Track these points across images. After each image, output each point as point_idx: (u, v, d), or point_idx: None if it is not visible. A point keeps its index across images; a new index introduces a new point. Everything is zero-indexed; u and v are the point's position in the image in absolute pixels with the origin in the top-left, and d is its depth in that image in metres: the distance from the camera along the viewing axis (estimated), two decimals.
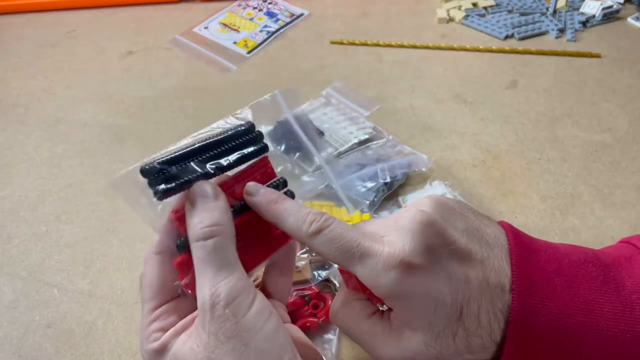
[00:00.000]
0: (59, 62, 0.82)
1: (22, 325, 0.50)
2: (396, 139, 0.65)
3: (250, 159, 0.34)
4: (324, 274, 0.48)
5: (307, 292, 0.47)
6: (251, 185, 0.33)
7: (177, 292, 0.33)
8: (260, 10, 0.91)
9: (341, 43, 0.83)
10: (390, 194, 0.59)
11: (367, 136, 0.65)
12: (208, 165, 0.32)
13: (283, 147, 0.63)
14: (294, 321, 0.46)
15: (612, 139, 0.66)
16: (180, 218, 0.32)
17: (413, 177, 0.61)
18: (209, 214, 0.30)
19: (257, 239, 0.34)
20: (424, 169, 0.61)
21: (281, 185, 0.35)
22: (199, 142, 0.33)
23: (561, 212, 0.57)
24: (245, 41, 0.84)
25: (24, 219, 0.59)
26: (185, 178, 0.31)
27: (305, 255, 0.48)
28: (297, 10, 0.91)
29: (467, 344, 0.30)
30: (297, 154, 0.62)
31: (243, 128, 0.34)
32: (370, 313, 0.34)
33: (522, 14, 0.87)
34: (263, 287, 0.37)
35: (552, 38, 0.83)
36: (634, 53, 0.79)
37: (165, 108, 0.73)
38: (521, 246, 0.32)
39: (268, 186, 0.34)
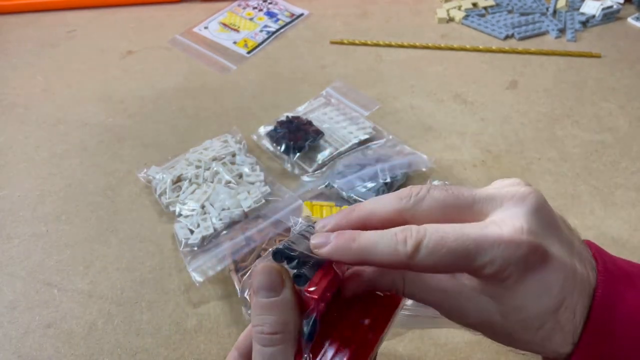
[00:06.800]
0: (59, 62, 0.82)
1: (21, 326, 0.50)
2: (396, 139, 0.65)
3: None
4: None
5: None
6: (317, 237, 0.29)
7: None
8: (260, 10, 0.91)
9: (341, 43, 0.83)
10: None
11: (367, 136, 0.65)
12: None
13: (283, 147, 0.63)
14: None
15: (612, 139, 0.66)
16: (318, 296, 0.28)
17: (413, 177, 0.61)
18: (272, 316, 0.27)
19: (359, 319, 0.30)
20: (424, 169, 0.61)
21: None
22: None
23: (561, 212, 0.56)
24: (245, 41, 0.84)
25: (23, 219, 0.59)
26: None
27: None
28: (297, 10, 0.91)
29: (546, 337, 0.28)
30: (297, 154, 0.62)
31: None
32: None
33: (522, 14, 0.87)
34: None
35: (552, 38, 0.83)
36: (634, 53, 0.79)
37: (165, 108, 0.73)
38: (595, 246, 0.31)
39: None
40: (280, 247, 0.28)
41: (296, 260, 0.28)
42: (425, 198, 0.29)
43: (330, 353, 0.27)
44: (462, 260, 0.26)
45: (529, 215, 0.27)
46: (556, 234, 0.29)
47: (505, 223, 0.27)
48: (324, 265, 0.28)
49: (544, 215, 0.28)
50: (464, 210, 0.29)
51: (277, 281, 0.27)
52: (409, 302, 0.32)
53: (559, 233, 0.29)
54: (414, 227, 0.27)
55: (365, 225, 0.29)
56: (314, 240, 0.28)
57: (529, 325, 0.28)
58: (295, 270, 0.28)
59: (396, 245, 0.27)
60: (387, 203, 0.29)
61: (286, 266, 0.28)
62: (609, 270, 0.29)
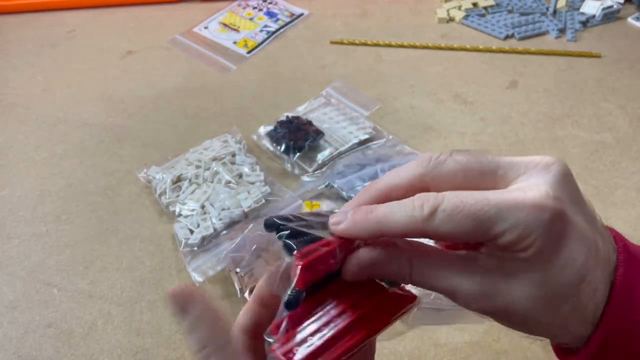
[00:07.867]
0: (59, 62, 0.82)
1: (21, 325, 0.50)
2: (396, 139, 0.65)
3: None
4: None
5: None
6: (334, 215, 0.28)
7: None
8: (260, 10, 0.91)
9: (341, 43, 0.83)
10: None
11: (367, 136, 0.65)
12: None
13: (283, 147, 0.63)
14: None
15: (612, 139, 0.66)
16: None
17: None
18: (195, 335, 0.27)
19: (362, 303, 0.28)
20: None
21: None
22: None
23: None
24: (245, 41, 0.84)
25: (23, 219, 0.59)
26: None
27: None
28: (297, 10, 0.91)
29: (568, 316, 0.27)
30: (297, 154, 0.62)
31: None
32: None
33: (522, 14, 0.87)
34: None
35: (552, 38, 0.83)
36: (634, 53, 0.79)
37: (164, 108, 0.73)
38: (615, 231, 0.29)
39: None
40: (272, 217, 0.28)
41: (288, 232, 0.27)
42: (446, 161, 0.27)
43: (311, 328, 0.26)
44: (482, 225, 0.25)
45: (554, 182, 0.26)
46: (580, 206, 0.27)
47: (530, 188, 0.26)
48: (320, 241, 0.27)
49: (568, 184, 0.27)
50: (486, 176, 0.27)
51: (184, 301, 0.27)
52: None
53: (583, 205, 0.28)
54: (432, 193, 0.26)
55: (387, 198, 0.28)
56: (332, 219, 0.28)
57: (550, 303, 0.26)
58: (284, 240, 0.27)
59: (412, 212, 0.26)
60: (407, 170, 0.28)
61: (276, 236, 0.28)
62: (631, 252, 0.28)
